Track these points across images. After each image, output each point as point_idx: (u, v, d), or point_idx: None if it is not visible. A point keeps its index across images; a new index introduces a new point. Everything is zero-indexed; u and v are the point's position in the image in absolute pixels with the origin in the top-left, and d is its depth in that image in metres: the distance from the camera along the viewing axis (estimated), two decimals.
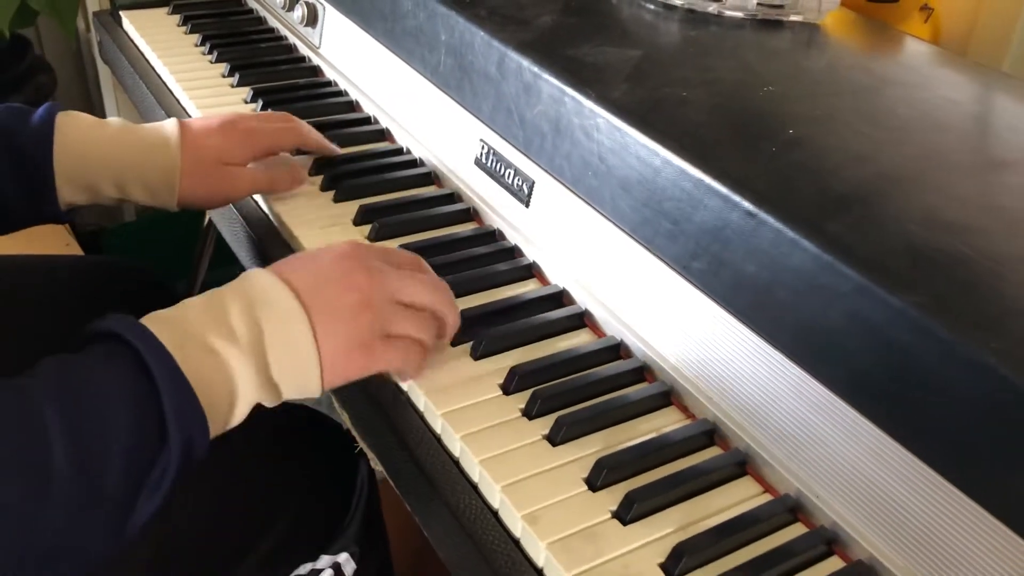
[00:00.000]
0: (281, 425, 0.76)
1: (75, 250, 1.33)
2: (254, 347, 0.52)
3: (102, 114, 1.58)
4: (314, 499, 0.73)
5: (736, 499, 0.53)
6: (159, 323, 0.50)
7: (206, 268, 1.29)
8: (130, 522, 0.48)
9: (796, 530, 0.52)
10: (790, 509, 0.52)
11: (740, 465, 0.55)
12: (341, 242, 0.59)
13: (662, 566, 0.49)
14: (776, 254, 0.53)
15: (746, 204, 0.54)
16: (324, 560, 0.72)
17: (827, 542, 0.51)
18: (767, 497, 0.54)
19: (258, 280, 0.55)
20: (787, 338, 0.53)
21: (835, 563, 0.50)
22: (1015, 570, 0.43)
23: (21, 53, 1.46)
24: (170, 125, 0.72)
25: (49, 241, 1.27)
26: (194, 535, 0.67)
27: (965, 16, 1.05)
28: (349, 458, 0.76)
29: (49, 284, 0.87)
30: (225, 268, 1.31)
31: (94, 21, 1.15)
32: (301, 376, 0.54)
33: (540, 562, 0.50)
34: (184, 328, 0.51)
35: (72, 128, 0.69)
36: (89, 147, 0.69)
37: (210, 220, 1.24)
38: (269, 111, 0.84)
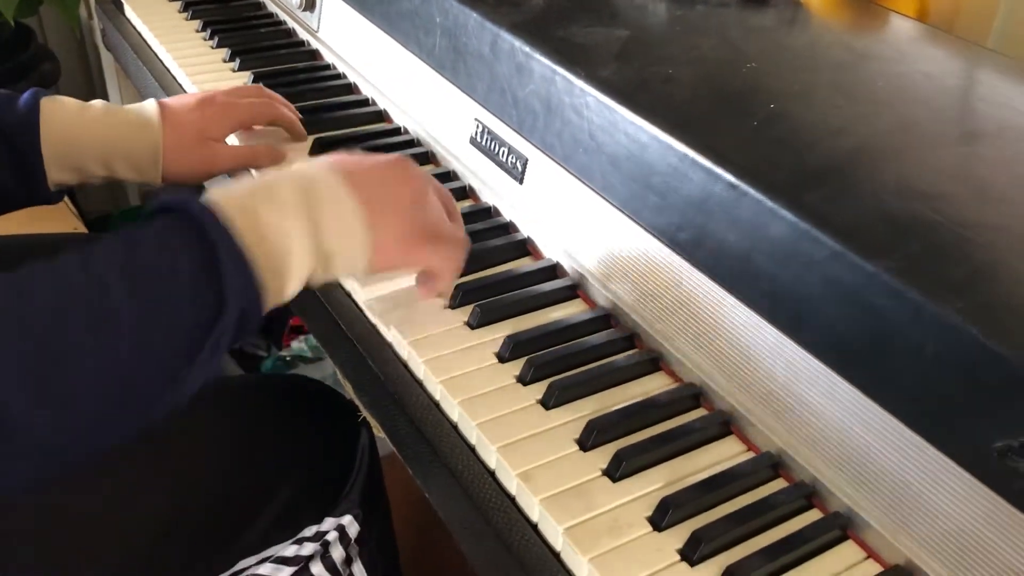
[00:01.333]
0: (288, 395, 0.79)
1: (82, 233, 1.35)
2: (306, 216, 0.54)
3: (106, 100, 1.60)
4: (318, 465, 0.76)
5: (720, 457, 0.56)
6: (221, 198, 0.52)
7: None
8: (185, 384, 0.49)
9: (777, 485, 0.55)
10: (772, 466, 0.55)
11: (724, 425, 0.58)
12: (392, 154, 0.63)
13: (649, 519, 0.52)
14: (756, 224, 0.55)
15: (728, 176, 0.57)
16: (328, 522, 0.75)
17: (807, 496, 0.54)
18: (750, 455, 0.56)
19: (316, 174, 0.56)
20: (767, 303, 0.56)
21: (814, 515, 0.53)
22: (976, 513, 0.46)
23: (25, 42, 1.48)
24: (150, 105, 0.76)
25: (57, 227, 1.30)
26: (205, 500, 0.70)
27: None
28: (351, 426, 0.79)
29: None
30: None
31: (96, 9, 1.17)
32: (351, 247, 0.56)
33: (534, 517, 0.52)
34: (237, 201, 0.52)
35: (57, 112, 0.72)
36: (74, 129, 0.73)
37: None
38: (243, 85, 0.88)
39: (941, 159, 0.58)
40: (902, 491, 0.50)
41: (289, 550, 0.74)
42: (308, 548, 0.75)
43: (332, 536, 0.75)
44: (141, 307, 0.47)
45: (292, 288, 0.54)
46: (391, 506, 0.85)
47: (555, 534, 0.51)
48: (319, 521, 0.75)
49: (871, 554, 0.51)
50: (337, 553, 0.76)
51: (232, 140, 0.83)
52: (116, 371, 0.46)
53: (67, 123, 0.72)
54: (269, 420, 0.76)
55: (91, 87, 1.74)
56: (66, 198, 1.41)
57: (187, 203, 0.51)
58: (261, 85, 0.86)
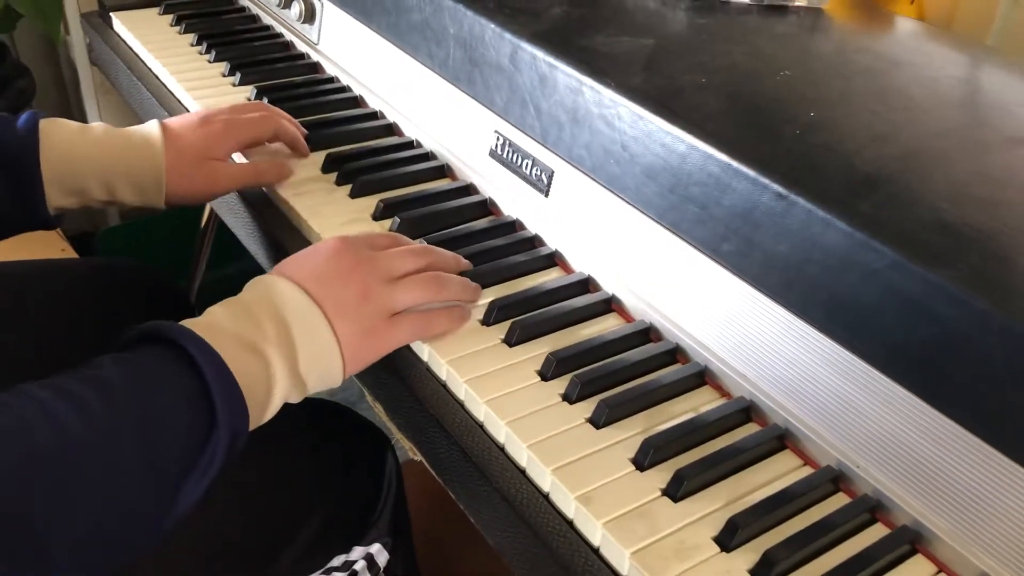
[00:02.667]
0: (313, 420, 0.77)
1: (71, 255, 1.31)
2: (284, 344, 0.55)
3: (83, 118, 1.57)
4: (347, 493, 0.74)
5: (778, 472, 0.55)
6: (198, 327, 0.53)
7: (204, 269, 1.28)
8: (174, 510, 0.50)
9: (840, 500, 0.54)
10: (832, 480, 0.54)
11: (779, 439, 0.57)
12: (329, 238, 0.63)
13: (716, 539, 0.50)
14: (808, 234, 0.54)
15: (775, 186, 0.56)
16: (357, 551, 0.73)
17: (870, 510, 0.53)
18: (808, 470, 0.55)
19: (273, 284, 0.58)
20: (820, 314, 0.55)
21: (880, 530, 0.52)
22: None
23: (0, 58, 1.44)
24: (152, 126, 0.74)
25: (44, 249, 1.26)
26: (235, 531, 0.68)
27: None
28: (379, 451, 0.77)
29: (58, 287, 0.87)
30: (222, 268, 1.31)
31: (82, 23, 1.14)
32: (325, 367, 0.57)
33: (596, 541, 0.51)
34: (217, 329, 0.54)
35: (57, 134, 0.70)
36: (75, 151, 0.70)
37: (208, 221, 1.23)
38: (245, 101, 0.85)
39: (990, 164, 0.58)
40: (970, 500, 0.49)
41: None
42: None
43: (360, 566, 0.74)
44: (143, 430, 0.48)
45: (270, 413, 0.56)
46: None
47: (621, 558, 0.49)
48: (348, 550, 0.73)
49: (942, 567, 0.50)
50: None
51: (238, 158, 0.81)
52: (116, 508, 0.47)
53: (67, 145, 0.70)
54: (297, 447, 0.74)
55: (67, 104, 1.70)
56: None
57: (171, 330, 0.52)
58: (264, 101, 0.84)
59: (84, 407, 0.47)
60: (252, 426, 0.54)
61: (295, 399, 0.58)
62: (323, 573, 0.72)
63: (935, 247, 0.51)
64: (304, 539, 0.71)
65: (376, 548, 0.74)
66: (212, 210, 1.21)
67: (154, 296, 0.94)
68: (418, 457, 0.64)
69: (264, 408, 0.55)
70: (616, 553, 0.50)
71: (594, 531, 0.51)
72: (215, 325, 0.54)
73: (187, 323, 0.54)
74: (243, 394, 0.52)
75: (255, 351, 0.54)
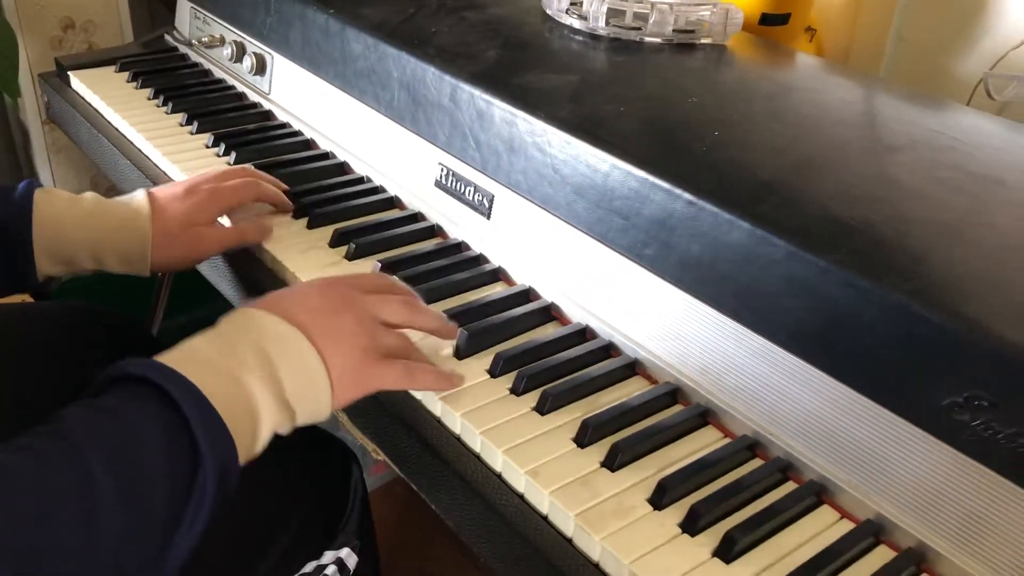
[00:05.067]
0: (280, 437, 0.82)
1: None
2: (267, 373, 0.55)
3: (34, 176, 1.61)
4: (316, 502, 0.79)
5: (702, 444, 0.62)
6: (175, 362, 0.53)
7: (162, 316, 1.33)
8: (169, 559, 0.49)
9: (755, 463, 0.61)
10: (748, 447, 0.62)
11: (702, 416, 0.64)
12: (314, 279, 0.64)
13: (649, 500, 0.57)
14: (716, 234, 0.63)
15: (687, 195, 0.64)
16: (328, 556, 0.78)
17: (782, 469, 0.60)
18: (727, 440, 0.63)
19: (257, 316, 0.58)
20: (732, 303, 0.63)
21: (791, 486, 0.60)
22: (930, 468, 0.53)
23: None
24: (139, 197, 0.77)
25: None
26: (210, 546, 0.72)
27: (844, 34, 1.19)
28: (344, 461, 0.82)
29: (26, 329, 0.91)
30: (181, 316, 1.35)
31: (40, 83, 1.19)
32: (313, 396, 0.57)
33: (544, 509, 0.57)
34: (196, 361, 0.53)
35: (49, 205, 0.74)
36: (66, 222, 0.74)
37: None
38: (228, 167, 0.88)
39: (870, 169, 0.67)
40: (866, 454, 0.57)
41: None
42: None
43: (331, 570, 0.78)
44: (121, 479, 0.47)
45: (260, 444, 0.56)
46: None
47: (567, 521, 0.56)
48: (318, 556, 0.78)
49: (844, 514, 0.58)
50: None
51: (224, 221, 0.84)
52: (102, 557, 0.46)
53: (59, 217, 0.73)
54: (265, 460, 0.78)
55: (17, 165, 1.74)
56: None
57: (146, 367, 0.51)
58: (248, 166, 0.88)
59: (46, 466, 0.45)
60: (243, 459, 0.54)
61: (285, 430, 0.57)
62: None
63: (823, 237, 0.59)
64: (277, 549, 0.75)
65: (346, 552, 0.79)
66: None
67: (118, 337, 0.99)
68: (381, 456, 0.70)
69: (253, 440, 0.54)
70: (562, 517, 0.56)
71: (542, 500, 0.57)
72: (191, 356, 0.54)
73: (160, 356, 0.53)
74: (226, 425, 0.51)
75: (235, 380, 0.53)
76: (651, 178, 0.66)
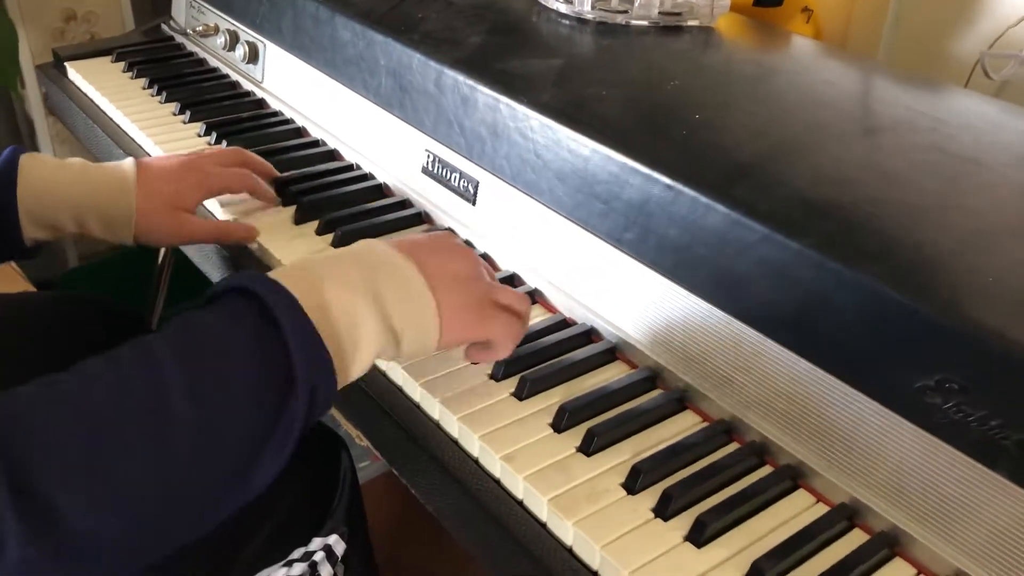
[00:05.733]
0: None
1: None
2: (373, 293, 0.54)
3: None
4: (304, 488, 0.80)
5: (679, 428, 0.62)
6: (281, 275, 0.52)
7: (162, 305, 1.34)
8: (255, 478, 0.49)
9: (731, 448, 0.61)
10: (725, 431, 0.62)
11: (680, 401, 0.64)
12: (419, 234, 0.64)
13: (623, 485, 0.57)
14: (693, 218, 0.62)
15: (665, 179, 0.64)
16: (316, 542, 0.79)
17: (758, 453, 0.60)
18: (704, 424, 0.63)
19: (368, 244, 0.58)
20: (708, 287, 0.62)
21: (767, 470, 0.60)
22: (902, 451, 0.53)
23: None
24: (128, 165, 0.77)
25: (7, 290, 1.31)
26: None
27: (841, 14, 1.18)
28: (333, 449, 0.83)
29: (24, 319, 0.92)
30: (180, 305, 1.37)
31: (38, 74, 1.20)
32: (420, 327, 0.56)
33: (520, 494, 0.58)
34: (307, 279, 0.52)
35: (35, 169, 0.74)
36: (50, 186, 0.74)
37: (165, 258, 1.29)
38: (225, 148, 0.88)
39: (847, 151, 0.66)
40: (838, 435, 0.56)
41: (279, 572, 0.78)
42: (297, 569, 0.78)
43: (319, 556, 0.79)
44: (201, 401, 0.46)
45: (360, 367, 0.54)
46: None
47: (540, 505, 0.56)
48: (307, 542, 0.79)
49: (820, 498, 0.58)
50: (325, 571, 0.79)
51: (214, 203, 0.86)
52: (176, 469, 0.45)
53: (44, 180, 0.74)
54: None
55: None
56: (13, 264, 1.42)
57: (252, 280, 0.51)
58: (241, 149, 0.87)
59: (122, 378, 0.45)
60: (342, 380, 0.52)
61: (389, 356, 0.57)
62: (284, 565, 0.78)
63: (797, 221, 0.59)
64: (264, 535, 0.76)
65: (334, 539, 0.80)
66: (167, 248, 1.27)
67: (115, 325, 1.00)
68: (364, 442, 0.71)
69: (351, 360, 0.53)
70: (536, 502, 0.57)
71: (516, 484, 0.58)
72: (301, 273, 0.53)
73: (276, 270, 0.53)
74: (323, 343, 0.50)
75: (338, 296, 0.52)
76: (630, 162, 0.66)
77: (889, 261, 0.55)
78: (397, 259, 0.57)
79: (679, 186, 0.63)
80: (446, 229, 0.64)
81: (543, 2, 0.91)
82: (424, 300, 0.56)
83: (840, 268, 0.55)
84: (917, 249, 0.56)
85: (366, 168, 0.92)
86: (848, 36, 1.20)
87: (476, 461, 0.61)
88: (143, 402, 0.45)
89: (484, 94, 0.77)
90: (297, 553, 0.79)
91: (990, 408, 0.50)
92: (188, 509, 0.48)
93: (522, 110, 0.74)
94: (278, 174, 0.88)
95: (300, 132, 1.00)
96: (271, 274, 0.52)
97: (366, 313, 0.53)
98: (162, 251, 1.28)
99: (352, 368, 0.53)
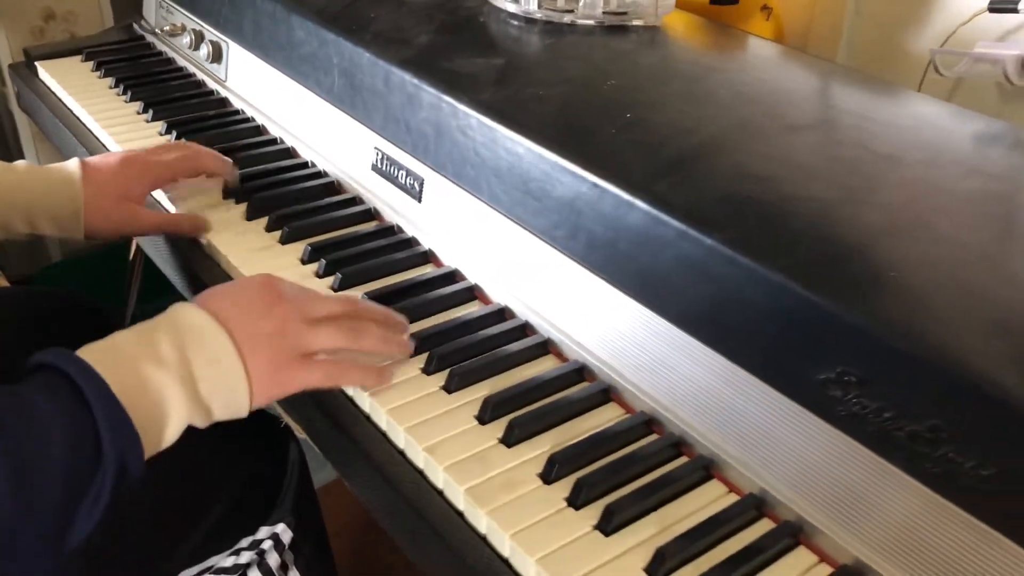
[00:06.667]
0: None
1: None
2: (181, 368, 0.57)
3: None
4: (251, 478, 0.81)
5: (601, 421, 0.64)
6: (92, 352, 0.56)
7: (135, 300, 1.35)
8: (68, 538, 0.52)
9: (650, 439, 0.62)
10: (644, 423, 0.63)
11: (605, 393, 0.66)
12: (257, 275, 0.65)
13: (539, 475, 0.59)
14: (616, 215, 0.64)
15: (591, 177, 0.65)
16: (263, 531, 0.80)
17: (675, 445, 0.61)
18: (626, 415, 0.64)
19: (184, 311, 0.60)
20: (633, 283, 0.64)
21: (682, 460, 0.61)
22: (807, 442, 0.54)
23: None
24: (72, 164, 0.81)
25: None
26: (140, 516, 0.75)
27: (802, 13, 1.19)
28: (280, 440, 0.84)
29: None
30: (152, 301, 1.39)
31: (10, 73, 1.22)
32: (230, 394, 0.59)
33: (440, 484, 0.59)
34: (115, 355, 0.56)
35: None
36: None
37: (135, 254, 1.31)
38: (167, 142, 0.91)
39: (769, 148, 0.67)
40: (754, 431, 0.58)
41: (227, 561, 0.79)
42: (245, 557, 0.80)
43: (267, 544, 0.80)
44: (15, 465, 0.49)
45: (170, 436, 0.58)
46: (327, 526, 0.90)
47: (457, 495, 0.58)
48: (254, 531, 0.81)
49: (732, 488, 0.59)
50: (273, 559, 0.81)
51: (162, 195, 0.88)
52: None
53: None
54: (199, 435, 0.81)
55: (8, 152, 1.77)
56: None
57: (67, 362, 0.54)
58: (184, 141, 0.90)
59: None
60: (149, 450, 0.56)
61: (199, 423, 0.60)
62: (231, 553, 0.79)
63: (714, 217, 0.60)
64: (209, 523, 0.77)
65: (281, 527, 0.81)
66: (138, 243, 1.29)
67: (81, 321, 1.01)
68: (303, 435, 0.72)
69: (160, 433, 0.57)
70: (454, 492, 0.58)
71: (437, 475, 0.59)
72: (114, 348, 0.56)
73: (87, 347, 0.56)
74: (131, 419, 0.54)
75: (147, 375, 0.55)
76: (560, 160, 0.67)
77: (796, 256, 0.56)
78: (210, 328, 0.59)
79: (604, 184, 0.64)
80: (262, 274, 0.65)
81: (492, 2, 0.92)
82: (234, 370, 0.59)
83: (749, 263, 0.56)
84: (825, 244, 0.57)
85: (320, 165, 0.93)
86: (810, 34, 1.20)
87: (402, 453, 0.62)
88: None
89: (428, 93, 0.78)
90: (245, 542, 0.80)
91: (885, 400, 0.51)
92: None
93: (463, 109, 0.75)
94: (233, 169, 0.89)
95: (260, 130, 1.01)
96: (85, 353, 0.55)
97: (175, 389, 0.56)
98: (133, 247, 1.30)
99: (162, 438, 0.57)
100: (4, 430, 0.50)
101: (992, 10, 0.96)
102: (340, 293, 0.71)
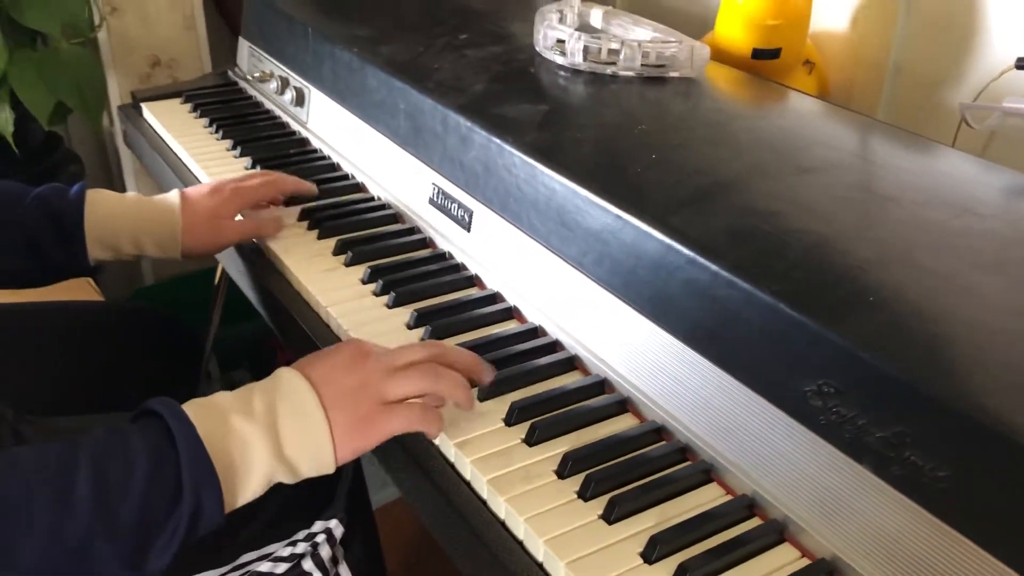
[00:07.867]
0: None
1: None
2: (268, 424, 0.62)
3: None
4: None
5: (617, 428, 0.71)
6: (192, 404, 0.62)
7: (218, 322, 1.47)
8: (143, 567, 0.57)
9: (661, 445, 0.69)
10: (655, 431, 0.70)
11: (621, 404, 0.73)
12: (350, 339, 0.72)
13: (555, 471, 0.66)
14: (635, 243, 0.71)
15: (615, 210, 0.73)
16: (318, 525, 0.89)
17: (680, 451, 0.68)
18: (638, 423, 0.71)
19: (283, 373, 0.66)
20: (649, 305, 0.71)
21: (686, 464, 0.67)
22: (793, 448, 0.61)
23: (53, 147, 1.68)
24: (173, 195, 0.94)
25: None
26: None
27: (844, 68, 1.25)
28: None
29: (80, 328, 1.07)
30: (236, 323, 1.50)
31: (119, 113, 1.36)
32: (314, 451, 0.63)
33: (468, 475, 0.67)
34: (210, 407, 0.62)
35: (99, 199, 0.91)
36: (112, 214, 0.91)
37: (220, 278, 1.43)
38: (254, 170, 1.05)
39: (777, 187, 0.74)
40: (750, 439, 0.64)
41: (284, 550, 0.88)
42: (300, 547, 0.88)
43: (320, 538, 0.89)
44: (100, 481, 0.55)
45: (252, 490, 0.62)
46: (380, 530, 0.98)
47: (481, 484, 0.65)
48: (309, 525, 0.89)
49: (728, 491, 0.65)
50: (325, 552, 0.89)
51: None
52: (67, 546, 0.54)
53: (107, 209, 0.90)
54: None
55: (111, 182, 1.94)
56: (91, 280, 1.58)
57: (162, 405, 0.60)
58: (267, 171, 1.02)
59: (41, 459, 0.56)
60: (229, 498, 0.60)
61: (286, 480, 0.64)
62: (288, 543, 0.88)
63: (719, 247, 0.67)
64: (269, 512, 0.86)
65: (334, 523, 0.89)
66: (223, 268, 1.41)
67: (165, 336, 1.13)
68: None
69: (242, 481, 0.61)
70: (479, 481, 0.66)
71: (465, 467, 0.67)
72: (211, 401, 0.63)
73: (191, 402, 0.62)
74: (211, 460, 0.58)
75: (234, 424, 0.61)
76: (590, 196, 0.76)
77: (789, 282, 0.63)
78: (300, 386, 0.64)
79: (626, 216, 0.72)
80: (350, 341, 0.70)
81: (543, 55, 1.01)
82: (317, 424, 0.63)
83: (747, 287, 0.63)
84: (816, 271, 0.64)
85: (384, 199, 1.03)
86: (853, 89, 1.26)
87: (436, 447, 0.70)
88: (50, 482, 0.55)
89: (479, 134, 0.88)
90: (301, 534, 0.89)
91: (859, 410, 0.57)
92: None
93: (508, 149, 0.84)
94: (311, 187, 1.01)
95: (334, 167, 1.12)
96: (187, 406, 0.62)
97: (258, 439, 0.61)
98: (218, 272, 1.42)
99: (243, 489, 0.62)
100: (97, 455, 0.57)
101: (1019, 67, 1.02)
102: (429, 341, 0.78)
